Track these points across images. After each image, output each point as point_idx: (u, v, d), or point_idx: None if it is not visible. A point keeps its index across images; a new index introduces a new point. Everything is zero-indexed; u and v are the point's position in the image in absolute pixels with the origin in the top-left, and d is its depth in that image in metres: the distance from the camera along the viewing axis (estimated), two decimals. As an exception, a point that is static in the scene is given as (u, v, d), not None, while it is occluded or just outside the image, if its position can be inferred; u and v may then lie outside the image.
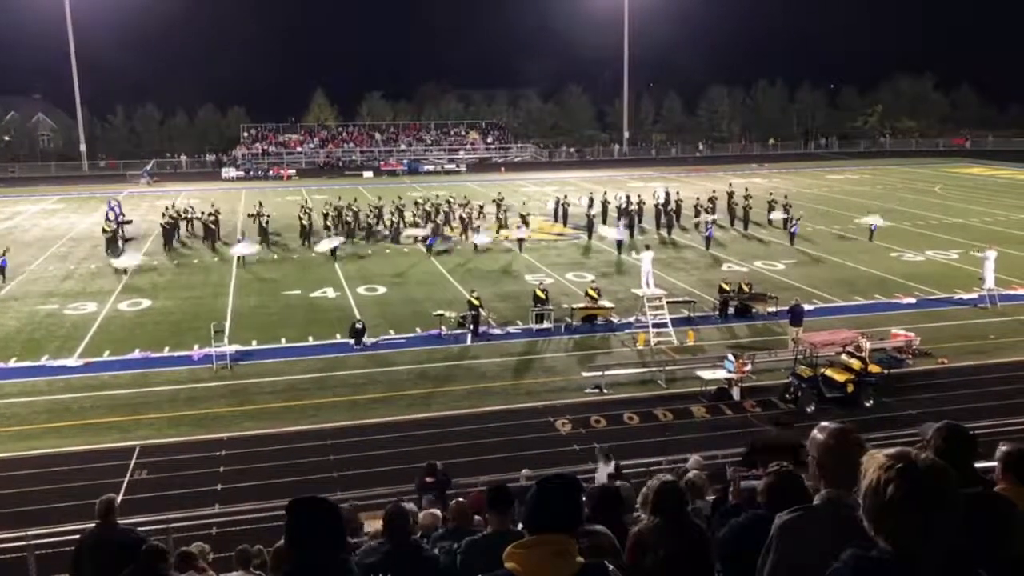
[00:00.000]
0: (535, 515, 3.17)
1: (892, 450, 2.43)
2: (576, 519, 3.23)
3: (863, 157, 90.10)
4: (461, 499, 6.98)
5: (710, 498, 8.65)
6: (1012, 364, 23.23)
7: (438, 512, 9.49)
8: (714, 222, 41.36)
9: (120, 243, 41.13)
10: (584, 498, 3.93)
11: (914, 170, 75.26)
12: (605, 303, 28.09)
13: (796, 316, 24.81)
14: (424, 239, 40.37)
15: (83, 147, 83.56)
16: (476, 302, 26.54)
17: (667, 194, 45.42)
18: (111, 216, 43.02)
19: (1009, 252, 35.48)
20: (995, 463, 3.96)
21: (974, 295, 29.85)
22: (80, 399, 21.64)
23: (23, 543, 12.43)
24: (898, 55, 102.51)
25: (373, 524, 11.44)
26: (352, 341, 25.30)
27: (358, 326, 25.67)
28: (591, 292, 28.42)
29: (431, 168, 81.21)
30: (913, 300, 30.00)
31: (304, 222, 42.18)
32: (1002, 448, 3.93)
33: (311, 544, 3.58)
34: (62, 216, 53.45)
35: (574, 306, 27.99)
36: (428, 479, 13.58)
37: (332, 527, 3.65)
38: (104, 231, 41.67)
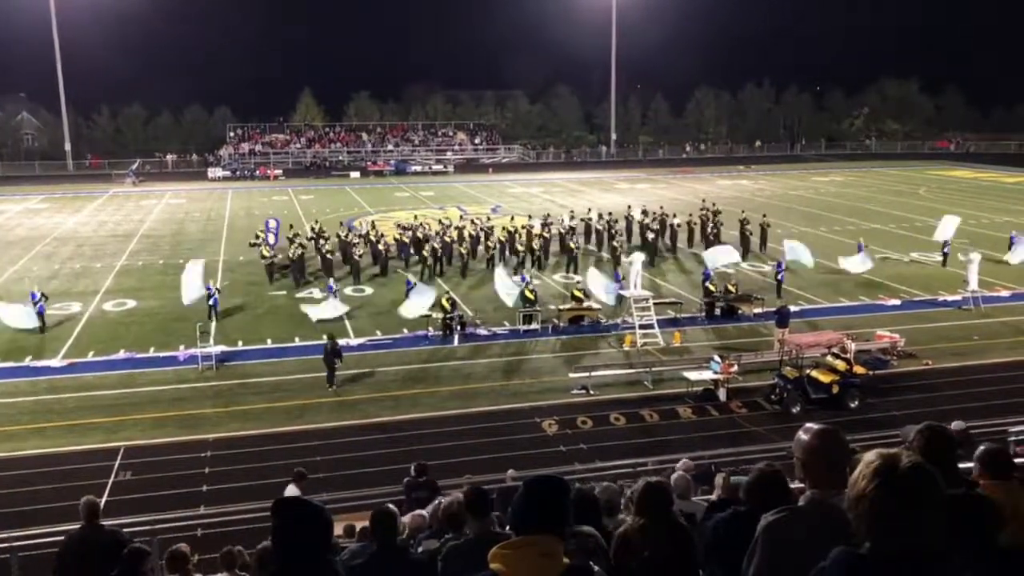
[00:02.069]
0: (521, 516, 3.16)
1: (884, 450, 2.44)
2: (563, 520, 3.22)
3: (848, 159, 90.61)
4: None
5: (696, 499, 8.69)
6: (995, 365, 23.41)
7: (425, 513, 9.50)
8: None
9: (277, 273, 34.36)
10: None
11: (899, 172, 75.75)
12: (592, 304, 28.13)
13: (782, 317, 24.92)
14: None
15: (68, 146, 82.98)
16: (447, 305, 26.41)
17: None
18: (271, 239, 37.51)
19: (993, 254, 35.74)
20: (974, 463, 4.01)
21: (958, 297, 30.07)
22: (64, 400, 21.50)
23: (6, 545, 12.33)
24: (884, 58, 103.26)
25: (341, 526, 11.43)
26: (336, 362, 22.48)
27: (328, 346, 22.53)
28: (577, 293, 28.46)
29: (418, 169, 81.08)
30: (898, 302, 30.19)
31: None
32: (981, 448, 3.99)
33: (297, 546, 3.56)
34: (46, 216, 53.04)
35: (561, 307, 28.03)
36: (418, 479, 13.57)
37: (318, 528, 3.63)
38: (263, 256, 34.79)
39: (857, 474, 2.40)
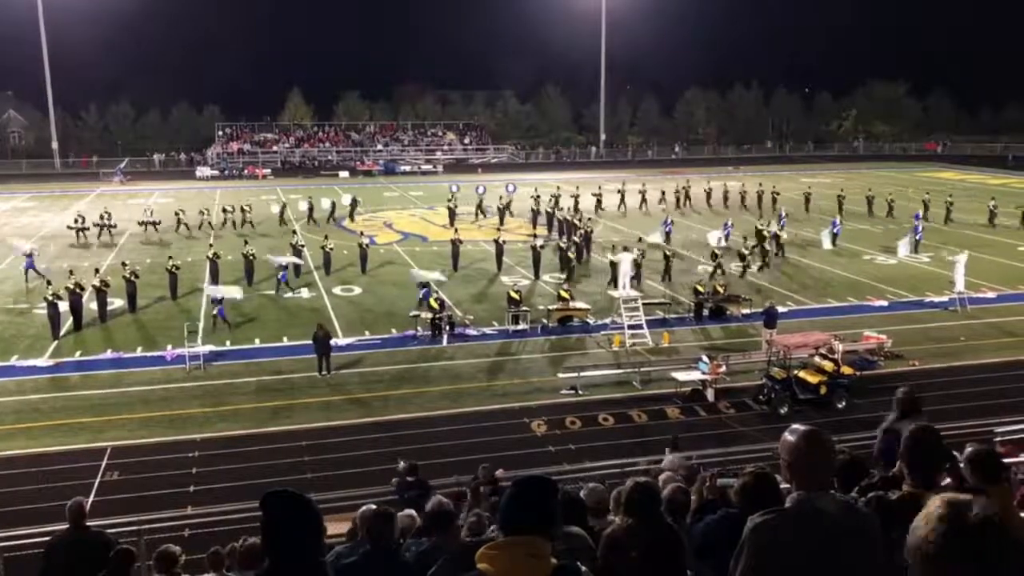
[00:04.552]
0: (509, 515, 3.16)
1: (945, 496, 2.23)
2: (551, 520, 3.22)
3: (837, 161, 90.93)
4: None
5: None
6: (981, 366, 23.54)
7: (414, 513, 9.48)
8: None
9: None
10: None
11: (887, 174, 76.05)
12: (580, 304, 28.15)
13: (770, 318, 25.01)
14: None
15: (55, 145, 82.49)
16: (436, 305, 26.41)
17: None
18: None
19: (979, 256, 35.93)
20: (962, 465, 4.03)
21: (945, 298, 30.24)
22: (51, 400, 21.37)
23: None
24: (872, 60, 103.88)
25: (334, 527, 11.39)
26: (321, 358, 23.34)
27: (320, 333, 23.46)
28: (563, 293, 28.46)
29: (407, 168, 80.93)
30: (885, 303, 30.33)
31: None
32: (968, 449, 4.00)
33: (287, 543, 3.48)
34: (33, 214, 52.71)
35: (550, 307, 28.03)
36: (408, 479, 13.55)
37: (309, 524, 3.56)
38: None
39: (919, 522, 2.21)
